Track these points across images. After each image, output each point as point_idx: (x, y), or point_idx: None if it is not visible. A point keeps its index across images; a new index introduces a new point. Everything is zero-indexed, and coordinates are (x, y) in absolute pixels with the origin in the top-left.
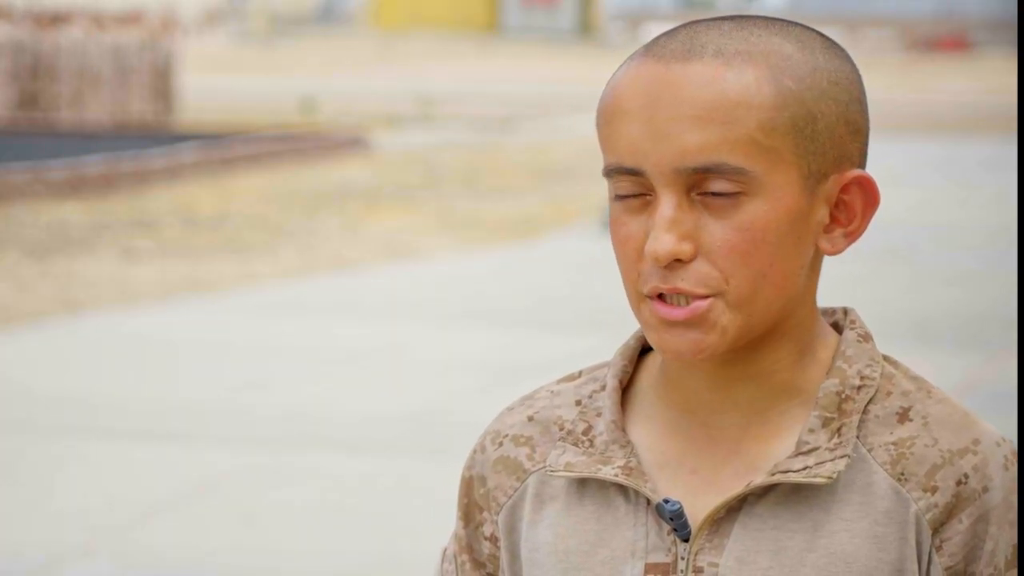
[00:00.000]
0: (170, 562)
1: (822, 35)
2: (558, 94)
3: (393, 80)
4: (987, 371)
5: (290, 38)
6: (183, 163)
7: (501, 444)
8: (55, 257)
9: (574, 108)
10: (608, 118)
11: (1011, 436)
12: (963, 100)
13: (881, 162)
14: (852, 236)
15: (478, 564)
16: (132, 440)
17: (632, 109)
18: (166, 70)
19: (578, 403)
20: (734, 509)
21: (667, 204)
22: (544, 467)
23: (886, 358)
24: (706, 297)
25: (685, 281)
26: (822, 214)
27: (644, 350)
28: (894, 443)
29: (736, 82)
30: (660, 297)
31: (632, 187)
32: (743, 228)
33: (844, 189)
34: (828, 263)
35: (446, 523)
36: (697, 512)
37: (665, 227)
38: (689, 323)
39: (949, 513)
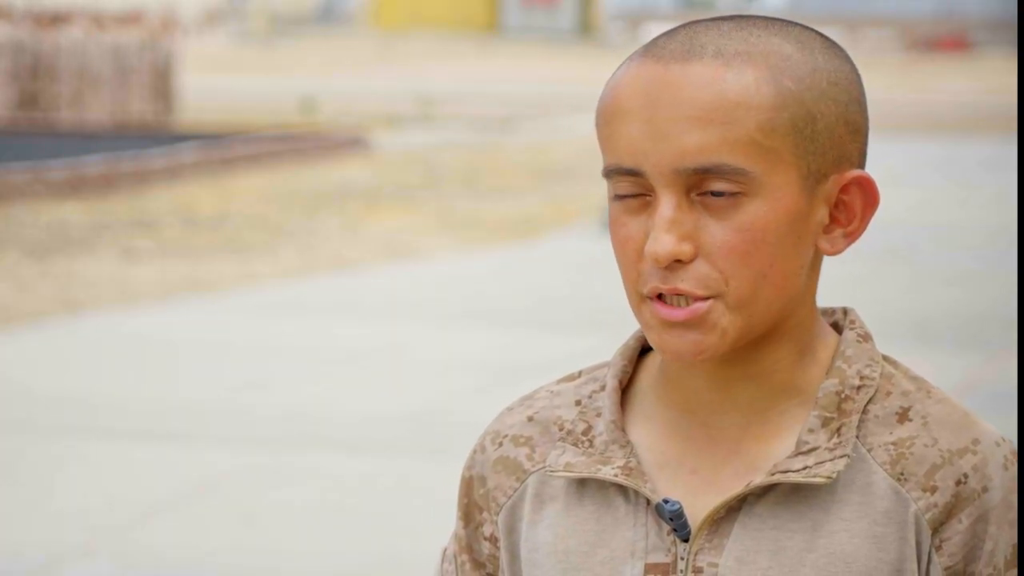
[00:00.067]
0: (170, 562)
1: (822, 35)
2: (558, 94)
3: (393, 80)
4: (987, 371)
5: (290, 38)
6: (183, 163)
7: (501, 444)
8: (55, 257)
9: (574, 108)
10: (607, 118)
11: (1011, 436)
12: (963, 100)
13: (881, 162)
14: (852, 236)
15: (478, 564)
16: (132, 440)
17: (632, 109)
18: (166, 70)
19: (578, 403)
20: (734, 509)
21: (667, 205)
22: (544, 467)
23: (886, 358)
24: (706, 299)
25: (685, 282)
26: (822, 214)
27: (644, 350)
28: (894, 443)
29: (736, 82)
30: (660, 298)
31: (632, 187)
32: (743, 229)
33: (844, 189)
34: (828, 263)
35: (446, 523)
36: (697, 512)
37: (665, 228)
38: (689, 324)
39: (949, 513)
